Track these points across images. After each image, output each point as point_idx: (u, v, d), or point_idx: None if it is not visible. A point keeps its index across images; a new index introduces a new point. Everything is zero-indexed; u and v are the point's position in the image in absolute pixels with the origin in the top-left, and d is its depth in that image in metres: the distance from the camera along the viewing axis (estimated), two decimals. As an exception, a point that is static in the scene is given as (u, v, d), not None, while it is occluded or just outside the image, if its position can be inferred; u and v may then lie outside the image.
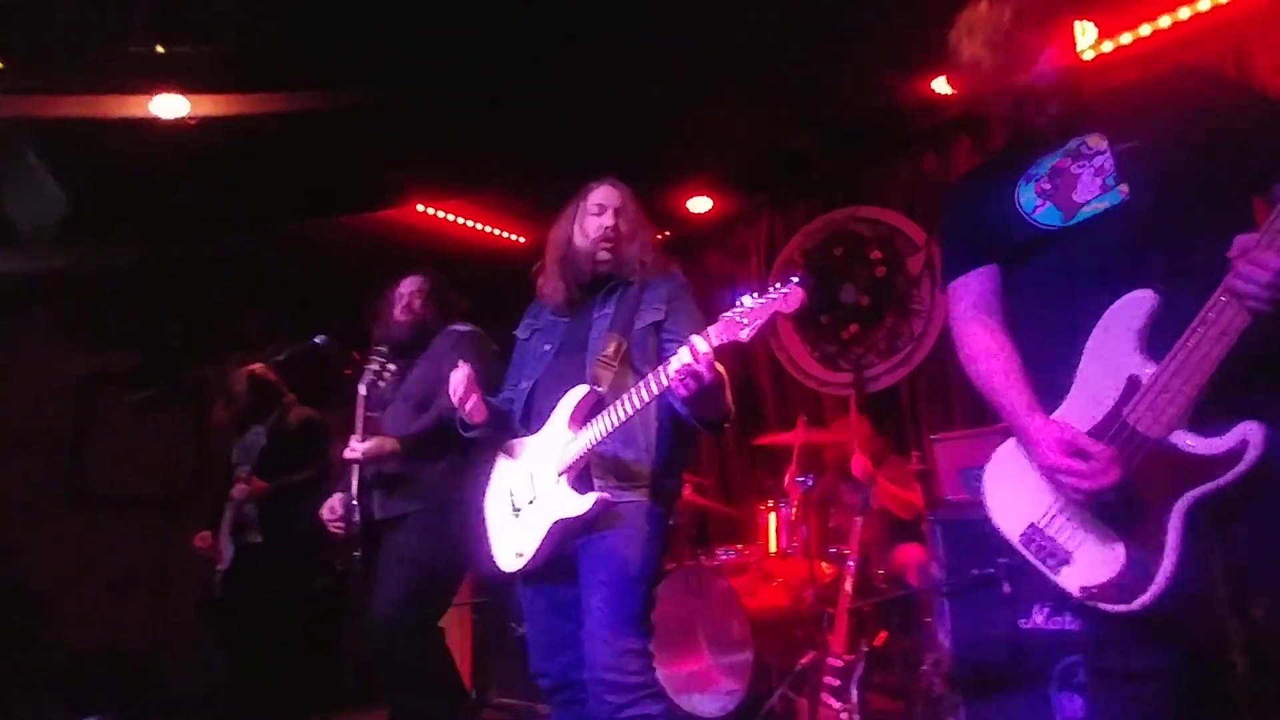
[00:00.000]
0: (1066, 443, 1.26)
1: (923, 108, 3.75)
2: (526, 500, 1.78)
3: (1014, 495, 1.38)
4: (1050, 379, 1.34)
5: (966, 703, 2.36)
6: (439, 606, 2.63)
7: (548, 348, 1.92)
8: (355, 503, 2.58)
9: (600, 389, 1.73)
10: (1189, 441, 1.18)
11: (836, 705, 2.54)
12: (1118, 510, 1.24)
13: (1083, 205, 1.34)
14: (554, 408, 1.78)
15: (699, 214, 4.64)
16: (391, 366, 2.64)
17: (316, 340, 2.91)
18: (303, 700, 3.46)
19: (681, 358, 1.51)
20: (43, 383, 4.44)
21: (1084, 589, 1.27)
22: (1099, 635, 1.33)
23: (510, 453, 1.90)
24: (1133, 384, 1.23)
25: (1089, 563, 1.27)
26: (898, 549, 3.17)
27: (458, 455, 2.53)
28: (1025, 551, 1.36)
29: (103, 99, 3.22)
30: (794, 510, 3.26)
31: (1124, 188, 1.30)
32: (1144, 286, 1.23)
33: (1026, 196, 1.41)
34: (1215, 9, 3.20)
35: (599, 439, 1.67)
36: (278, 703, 3.24)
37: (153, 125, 3.33)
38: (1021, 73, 1.38)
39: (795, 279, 1.44)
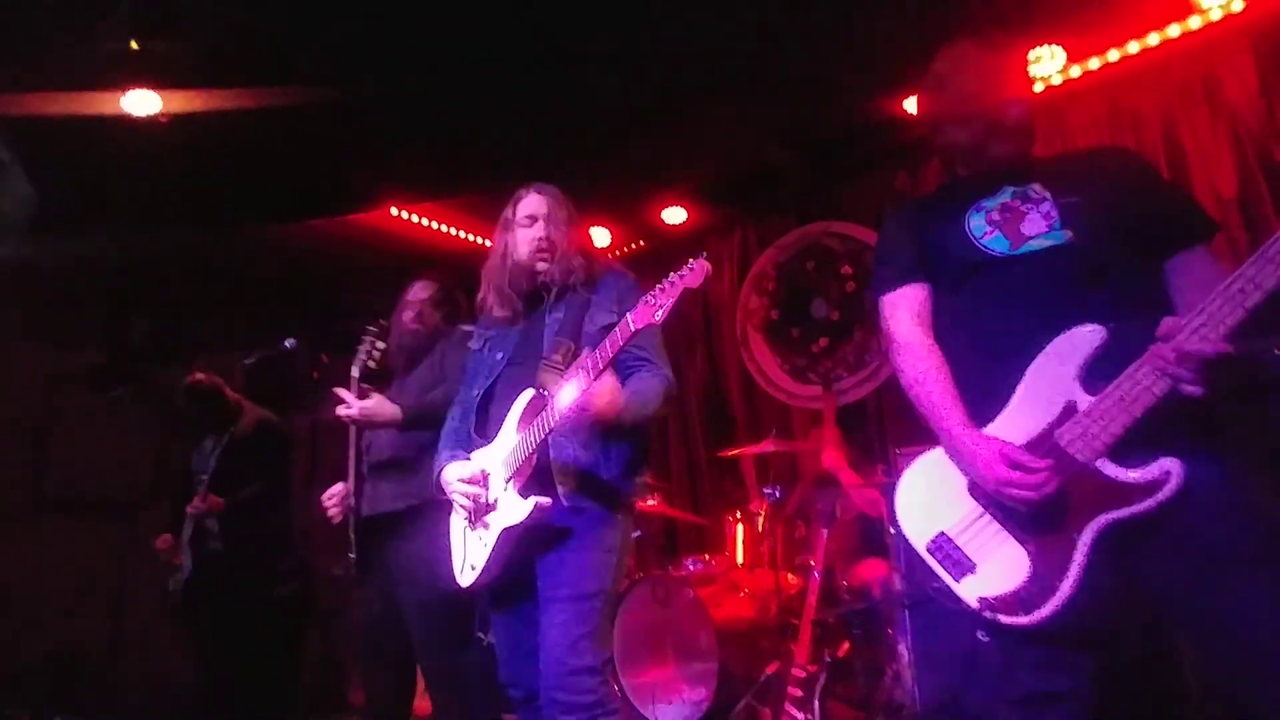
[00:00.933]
0: (1008, 457, 1.33)
1: (895, 126, 3.83)
2: (480, 513, 1.77)
3: (927, 504, 1.44)
4: (982, 395, 1.41)
5: (925, 715, 2.39)
6: (462, 617, 2.45)
7: (500, 356, 1.91)
8: (353, 494, 2.48)
9: (546, 393, 1.72)
10: (1114, 469, 1.26)
11: (799, 715, 2.56)
12: (1031, 526, 1.31)
13: (1030, 238, 1.44)
14: (504, 413, 1.79)
15: (673, 225, 4.67)
16: (380, 345, 2.58)
17: (286, 343, 2.86)
18: (265, 707, 3.40)
19: (561, 399, 1.56)
20: (5, 381, 4.35)
21: (983, 600, 1.33)
22: (1008, 659, 1.38)
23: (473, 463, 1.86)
24: (1069, 409, 1.32)
25: (992, 575, 1.33)
26: (861, 563, 3.21)
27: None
28: (930, 558, 1.42)
29: (74, 95, 3.18)
30: (761, 522, 3.29)
31: (1068, 232, 1.42)
32: (1092, 320, 1.32)
33: (976, 223, 1.51)
34: (1184, 35, 3.26)
35: (540, 441, 1.66)
36: (240, 710, 3.19)
37: (123, 122, 3.28)
38: (997, 107, 1.52)
39: (703, 255, 1.52)
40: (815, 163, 4.28)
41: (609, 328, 1.76)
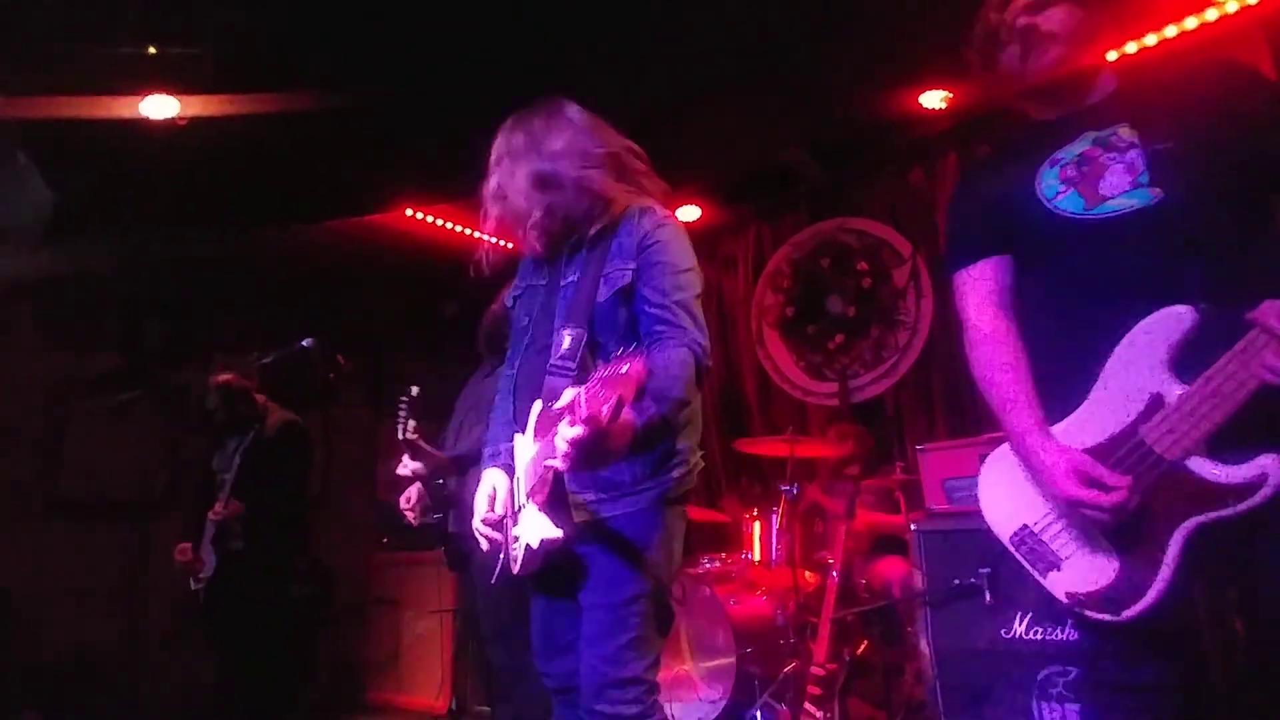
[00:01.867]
0: (1082, 473, 1.22)
1: (910, 121, 3.80)
2: (515, 509, 1.65)
3: (1010, 496, 1.36)
4: (1062, 385, 1.29)
5: (948, 713, 2.37)
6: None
7: (525, 321, 1.70)
8: (437, 514, 2.63)
9: (554, 405, 1.46)
10: (1206, 468, 1.16)
11: (819, 714, 2.55)
12: (1120, 526, 1.22)
13: (1108, 198, 1.26)
14: (526, 407, 1.61)
15: (688, 223, 4.66)
16: (413, 423, 2.64)
17: (304, 343, 2.88)
18: (282, 708, 3.42)
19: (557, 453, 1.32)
20: (20, 384, 4.38)
21: (1071, 595, 1.27)
22: (1096, 646, 1.32)
23: (506, 453, 1.71)
24: (1155, 402, 1.20)
25: (1079, 571, 1.26)
26: (879, 561, 3.19)
27: None
28: (1015, 552, 1.34)
29: (93, 99, 3.20)
30: (779, 519, 3.28)
31: (1157, 190, 1.23)
32: (1181, 300, 1.18)
33: (1049, 182, 1.32)
34: (1201, 27, 3.20)
35: (550, 464, 1.45)
36: (256, 711, 3.20)
37: (141, 125, 3.31)
38: (1078, 50, 1.33)
39: (639, 357, 1.22)
40: (829, 160, 4.27)
41: (623, 292, 1.54)
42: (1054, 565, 1.29)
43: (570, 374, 1.53)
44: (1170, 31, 3.29)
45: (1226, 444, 1.15)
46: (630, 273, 1.55)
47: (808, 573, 3.18)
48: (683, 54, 3.47)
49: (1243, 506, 1.13)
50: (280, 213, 4.11)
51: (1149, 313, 1.19)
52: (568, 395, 1.28)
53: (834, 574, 2.72)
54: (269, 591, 3.34)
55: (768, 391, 4.48)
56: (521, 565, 1.59)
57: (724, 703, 2.95)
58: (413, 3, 3.06)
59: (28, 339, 4.44)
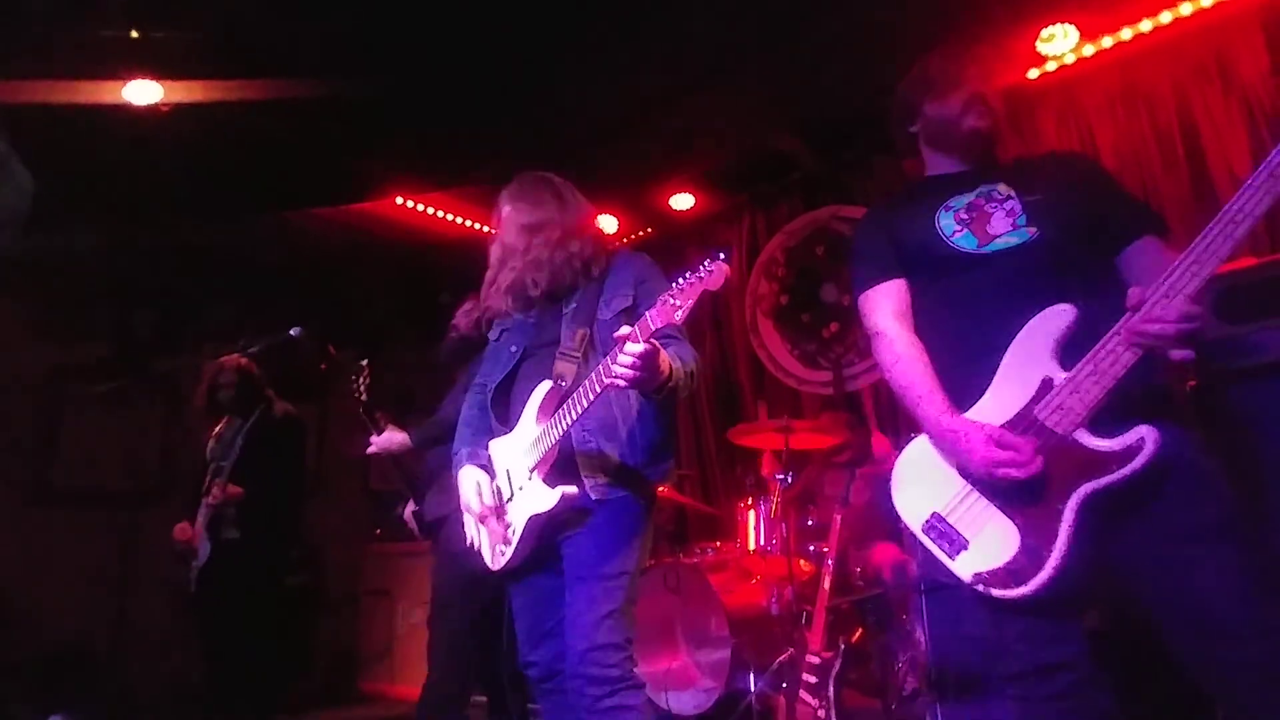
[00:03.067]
0: (994, 439, 1.38)
1: (905, 109, 3.77)
2: (506, 498, 1.81)
3: (920, 488, 1.50)
4: (962, 386, 1.47)
5: (943, 700, 2.37)
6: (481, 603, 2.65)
7: (514, 349, 1.91)
8: (417, 509, 2.79)
9: (564, 382, 1.75)
10: (1091, 439, 1.32)
11: (813, 702, 2.55)
12: (1018, 500, 1.36)
13: (996, 236, 1.52)
14: (523, 405, 1.80)
15: (681, 210, 4.63)
16: (365, 380, 2.82)
17: (292, 332, 2.86)
18: (274, 698, 3.41)
19: (621, 363, 1.52)
20: (10, 374, 4.34)
21: (976, 575, 1.38)
22: (1002, 638, 1.41)
23: (487, 453, 1.90)
24: (1046, 385, 1.38)
25: (984, 550, 1.38)
26: (874, 548, 3.19)
27: None
28: (926, 539, 1.47)
29: (76, 85, 3.15)
30: (774, 507, 3.27)
31: (1032, 229, 1.50)
32: (1062, 303, 1.39)
33: (946, 222, 1.59)
34: (1197, 13, 3.21)
35: (563, 433, 1.69)
36: (249, 700, 3.19)
37: (125, 112, 3.25)
38: (972, 106, 1.61)
39: (721, 256, 1.49)
40: (823, 148, 4.24)
41: (626, 312, 1.78)
42: (962, 546, 1.41)
43: (575, 360, 1.76)
44: (1165, 18, 3.29)
45: (1108, 418, 1.31)
46: (630, 298, 1.82)
47: (802, 561, 3.17)
48: (676, 42, 3.43)
49: (1125, 470, 1.28)
50: (269, 200, 4.07)
51: (1029, 316, 1.40)
52: (623, 332, 1.51)
53: (829, 561, 2.71)
54: (263, 581, 3.32)
55: (761, 380, 4.46)
56: (515, 549, 1.73)
57: (719, 691, 2.95)
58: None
59: (15, 328, 4.38)
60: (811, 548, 3.27)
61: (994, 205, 1.55)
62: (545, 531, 1.74)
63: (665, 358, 1.59)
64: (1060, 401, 1.34)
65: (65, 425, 4.52)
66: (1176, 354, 1.26)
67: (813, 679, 2.58)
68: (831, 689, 2.53)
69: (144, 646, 4.20)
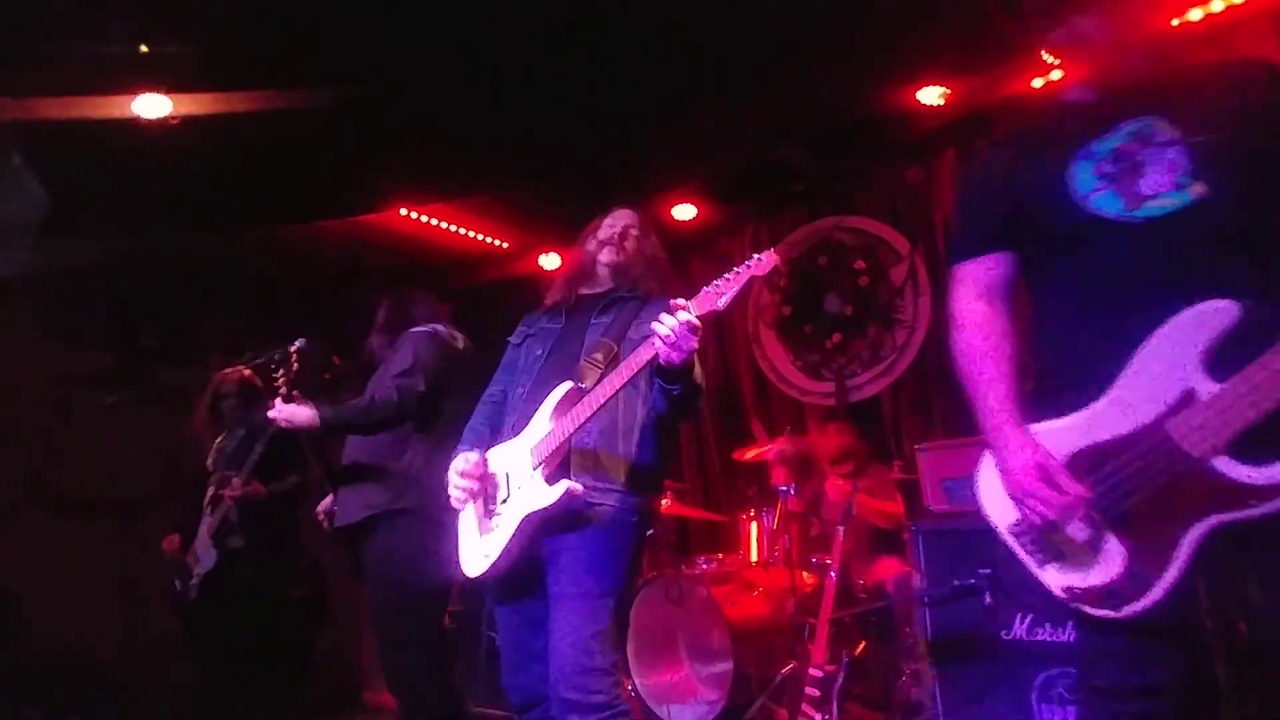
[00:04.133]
0: (1043, 469, 1.22)
1: (907, 118, 3.78)
2: (500, 500, 1.75)
3: None
4: (1081, 379, 1.25)
5: (947, 714, 2.36)
6: (427, 617, 2.53)
7: (539, 353, 1.89)
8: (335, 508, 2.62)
9: (584, 385, 1.71)
10: (1232, 467, 1.12)
11: (817, 716, 2.53)
12: (1132, 520, 1.19)
13: (1148, 198, 1.22)
14: (526, 420, 1.77)
15: (683, 221, 4.64)
16: (294, 367, 2.70)
17: (297, 344, 2.86)
18: (276, 708, 3.40)
19: (665, 322, 1.53)
20: (16, 381, 4.36)
21: (1069, 590, 1.24)
22: (1093, 648, 1.28)
23: (489, 458, 1.84)
24: (1187, 397, 1.15)
25: (1081, 565, 1.23)
26: (876, 562, 3.18)
27: (426, 451, 2.52)
28: (1013, 542, 1.31)
29: (86, 99, 3.18)
30: (776, 519, 3.26)
31: (1199, 187, 1.20)
32: (1223, 297, 1.14)
33: (1084, 175, 1.27)
34: (1207, 18, 3.13)
35: (576, 426, 1.65)
36: (250, 710, 3.18)
37: (135, 125, 3.28)
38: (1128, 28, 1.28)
39: (772, 249, 1.51)
40: (826, 157, 4.24)
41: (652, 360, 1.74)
42: (1055, 558, 1.26)
43: (599, 369, 1.75)
44: (1173, 23, 3.26)
45: (1254, 444, 1.11)
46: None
47: (805, 573, 3.16)
48: (677, 53, 3.45)
49: (1268, 508, 1.09)
50: (275, 212, 4.09)
51: (1184, 307, 1.15)
52: (680, 300, 1.55)
53: (832, 574, 2.70)
54: (269, 591, 3.31)
55: (764, 391, 4.46)
56: (501, 553, 1.68)
57: (721, 704, 2.94)
58: (405, 3, 3.04)
59: (23, 337, 4.41)
60: (814, 560, 3.25)
61: (1151, 152, 1.23)
62: (537, 533, 1.67)
63: (697, 369, 1.63)
64: (1202, 421, 1.13)
65: (70, 433, 4.53)
66: None
67: (816, 692, 2.57)
68: (835, 702, 2.52)
69: (150, 653, 4.20)
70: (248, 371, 3.40)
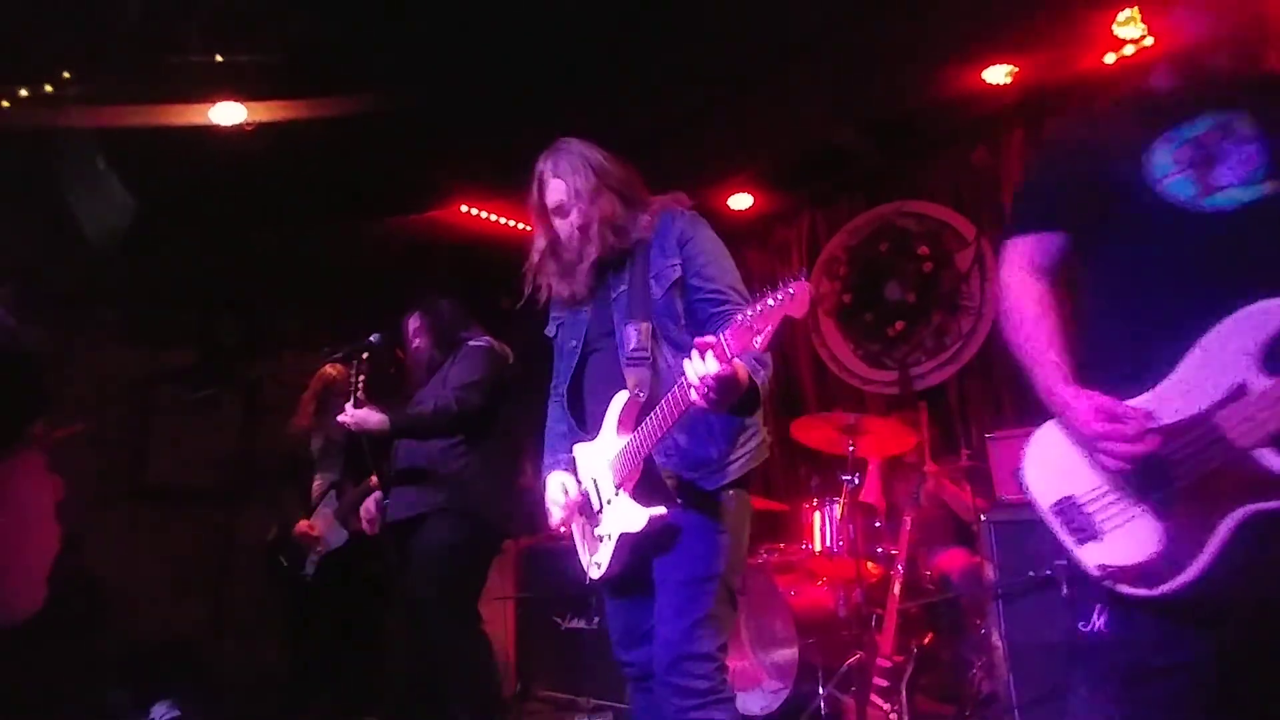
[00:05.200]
0: (1104, 410, 1.24)
1: (973, 98, 3.68)
2: (596, 510, 1.73)
3: (1058, 467, 1.36)
4: (1137, 363, 1.27)
5: (1021, 707, 2.32)
6: (466, 598, 2.75)
7: (574, 343, 1.82)
8: (387, 501, 2.84)
9: (641, 394, 1.64)
10: (1273, 458, 1.16)
11: (885, 706, 2.52)
12: (1172, 504, 1.23)
13: (1220, 189, 1.25)
14: (599, 409, 1.70)
15: (739, 211, 4.61)
16: (362, 378, 2.87)
17: (372, 338, 2.98)
18: (363, 692, 3.52)
19: (691, 374, 1.41)
20: (106, 379, 4.61)
21: (1102, 566, 1.27)
22: (1118, 632, 1.31)
23: (575, 460, 1.81)
24: (1237, 391, 1.19)
25: (1118, 545, 1.26)
26: (942, 553, 3.12)
27: (476, 460, 2.75)
28: (1052, 520, 1.35)
29: (166, 108, 3.34)
30: (841, 509, 3.23)
31: (1271, 185, 1.23)
32: None
33: (1161, 158, 1.29)
34: None
35: (647, 449, 1.58)
36: (336, 693, 3.31)
37: (212, 132, 3.43)
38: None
39: (804, 275, 1.33)
40: (885, 142, 4.16)
41: (678, 284, 1.68)
42: (1093, 536, 1.29)
43: (645, 363, 1.64)
44: None
45: None
46: (677, 267, 1.69)
47: (869, 563, 3.13)
48: (731, 38, 3.42)
49: None
50: (343, 211, 4.22)
51: (1249, 304, 1.18)
52: (707, 340, 1.38)
53: (899, 565, 2.67)
54: (382, 574, 3.40)
55: (824, 381, 4.41)
56: (610, 563, 1.66)
57: (786, 692, 2.94)
58: (465, 6, 3.10)
59: (111, 336, 4.66)
60: (879, 550, 3.22)
61: (1230, 144, 1.25)
62: (636, 548, 1.63)
63: (743, 370, 1.46)
64: (1251, 414, 1.16)
65: (157, 427, 4.78)
66: None
67: (884, 683, 2.56)
68: (904, 693, 2.50)
69: (236, 637, 4.41)
70: (337, 369, 3.54)
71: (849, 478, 3.09)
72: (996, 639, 2.41)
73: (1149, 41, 3.31)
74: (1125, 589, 1.25)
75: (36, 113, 3.26)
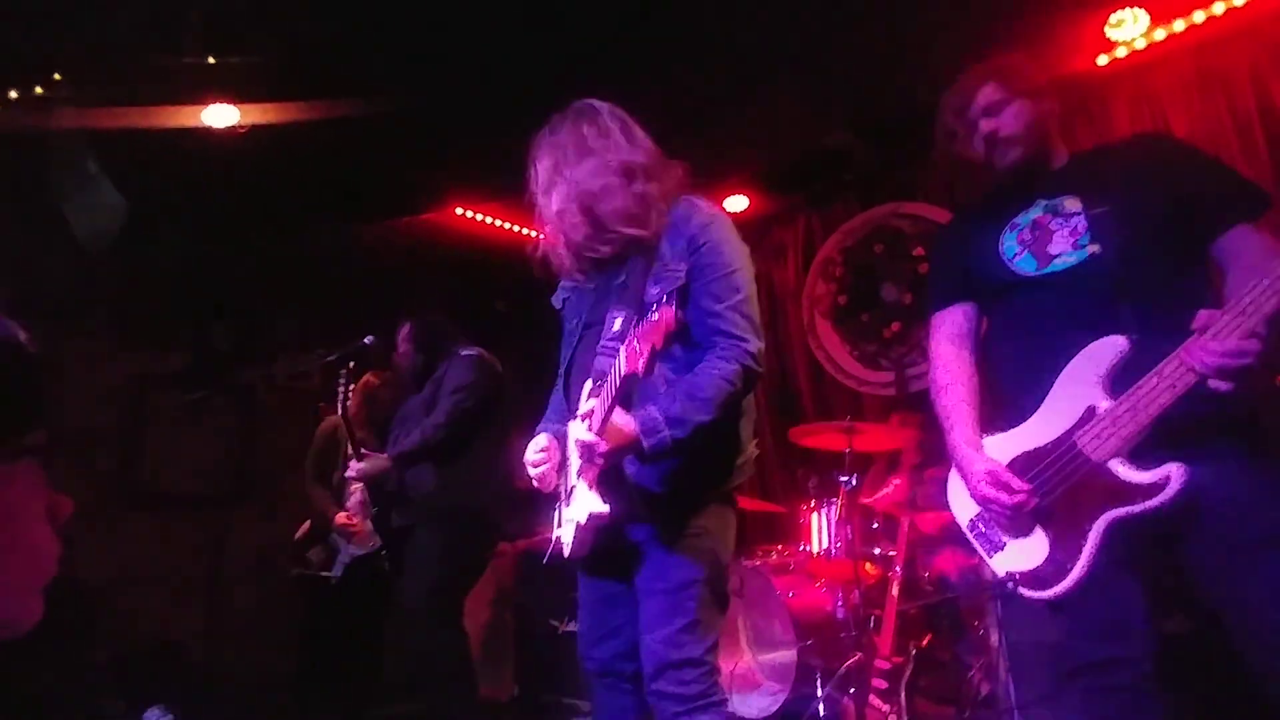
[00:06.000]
0: (994, 475, 1.50)
1: (966, 101, 3.68)
2: (568, 490, 1.68)
3: (968, 493, 1.61)
4: (1018, 401, 1.55)
5: (1020, 707, 2.31)
6: (455, 603, 2.89)
7: (575, 322, 1.76)
8: (374, 509, 3.02)
9: (603, 384, 1.54)
10: (1122, 469, 1.38)
11: (884, 708, 2.51)
12: (1050, 516, 1.46)
13: (1055, 258, 1.53)
14: (579, 394, 1.65)
15: (735, 213, 4.61)
16: (352, 386, 3.10)
17: (365, 341, 3.00)
18: (364, 692, 3.50)
19: (573, 434, 1.51)
20: (98, 383, 4.58)
21: (1009, 573, 1.52)
22: (1067, 629, 1.50)
23: (561, 438, 1.75)
24: (1089, 413, 1.43)
25: (1018, 553, 1.51)
26: (939, 554, 3.12)
27: (447, 469, 2.84)
28: (970, 536, 1.61)
29: (159, 110, 3.32)
30: (839, 510, 3.23)
31: (1094, 247, 1.49)
32: (1116, 333, 1.41)
33: (1009, 244, 1.60)
34: None
35: (595, 439, 1.51)
36: (341, 694, 3.29)
37: (205, 134, 3.42)
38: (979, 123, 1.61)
39: (666, 299, 1.30)
40: (880, 144, 4.16)
41: (678, 293, 1.54)
42: (999, 547, 1.55)
43: (616, 355, 1.50)
44: (1199, 17, 3.17)
45: (1142, 452, 1.37)
46: (683, 274, 1.58)
47: (867, 565, 3.13)
48: (725, 41, 3.42)
49: (1150, 504, 1.34)
50: (337, 214, 4.21)
51: (1084, 342, 1.43)
52: (592, 404, 1.47)
53: (898, 566, 2.67)
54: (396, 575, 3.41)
55: (821, 382, 4.41)
56: (573, 547, 1.64)
57: (785, 695, 2.94)
58: (459, 8, 3.09)
59: (104, 340, 4.63)
60: (877, 551, 3.22)
61: (1059, 223, 1.54)
62: (598, 535, 1.58)
63: (629, 430, 1.45)
64: (1099, 431, 1.40)
65: (150, 432, 4.74)
66: (1215, 384, 1.27)
67: (883, 684, 2.55)
68: (903, 695, 2.50)
69: (232, 643, 4.38)
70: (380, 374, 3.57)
71: (846, 479, 3.09)
72: (995, 640, 2.41)
73: (1140, 44, 3.35)
74: (1026, 591, 1.48)
75: (28, 115, 3.23)
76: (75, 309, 4.42)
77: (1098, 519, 1.38)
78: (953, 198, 4.01)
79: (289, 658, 3.51)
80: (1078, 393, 1.43)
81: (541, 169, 1.70)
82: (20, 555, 0.66)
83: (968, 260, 1.66)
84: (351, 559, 3.35)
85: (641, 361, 1.30)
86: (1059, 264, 1.51)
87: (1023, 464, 1.50)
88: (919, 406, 3.78)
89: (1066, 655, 1.48)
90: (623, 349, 1.35)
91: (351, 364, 3.02)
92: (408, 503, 2.93)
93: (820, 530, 3.37)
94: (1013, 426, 1.53)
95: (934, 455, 3.41)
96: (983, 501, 1.52)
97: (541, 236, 1.77)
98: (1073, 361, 1.44)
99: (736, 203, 4.54)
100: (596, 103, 1.75)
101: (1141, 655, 1.39)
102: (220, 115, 3.37)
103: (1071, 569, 1.40)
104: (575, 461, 1.59)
